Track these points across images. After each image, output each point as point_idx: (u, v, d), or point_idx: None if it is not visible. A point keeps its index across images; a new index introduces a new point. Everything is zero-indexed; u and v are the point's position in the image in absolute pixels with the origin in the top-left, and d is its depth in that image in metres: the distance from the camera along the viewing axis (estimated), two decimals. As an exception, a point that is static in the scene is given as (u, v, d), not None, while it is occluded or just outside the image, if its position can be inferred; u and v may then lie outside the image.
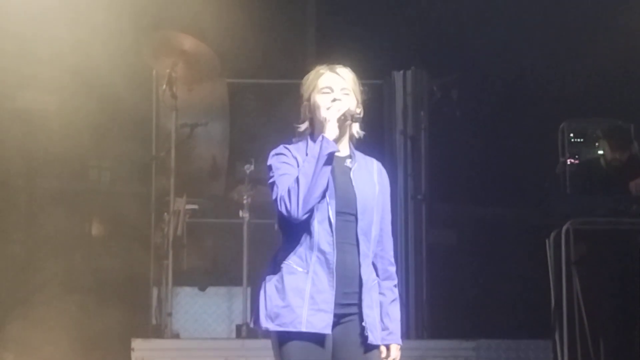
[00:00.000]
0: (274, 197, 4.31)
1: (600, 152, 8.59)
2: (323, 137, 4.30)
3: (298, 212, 4.24)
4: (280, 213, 4.28)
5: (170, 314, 8.32)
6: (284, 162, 4.37)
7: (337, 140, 4.35)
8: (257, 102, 9.48)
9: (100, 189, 9.32)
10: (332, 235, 4.31)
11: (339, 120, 4.35)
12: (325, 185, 4.27)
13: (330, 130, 4.32)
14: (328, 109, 4.36)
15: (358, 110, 4.41)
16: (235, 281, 8.51)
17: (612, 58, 9.18)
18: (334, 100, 4.39)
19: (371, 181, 4.47)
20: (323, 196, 4.28)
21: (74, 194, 9.10)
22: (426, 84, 9.01)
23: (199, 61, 8.55)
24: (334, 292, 4.29)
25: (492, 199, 9.50)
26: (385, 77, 9.04)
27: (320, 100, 4.41)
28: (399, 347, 4.50)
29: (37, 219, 8.92)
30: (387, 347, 4.49)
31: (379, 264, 4.49)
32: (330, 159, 4.28)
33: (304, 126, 4.49)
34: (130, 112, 8.77)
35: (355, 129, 4.47)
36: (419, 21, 9.68)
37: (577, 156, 8.71)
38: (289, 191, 4.25)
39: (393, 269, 4.55)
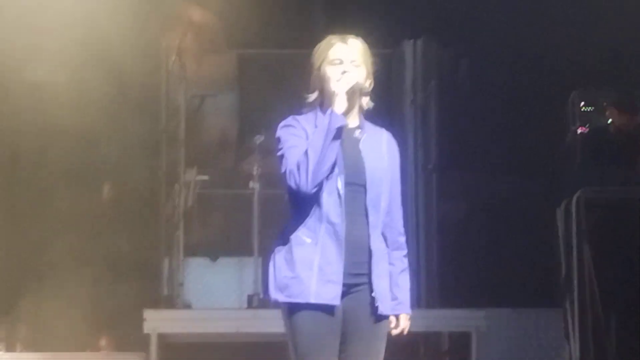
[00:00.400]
0: (283, 170, 4.30)
1: (610, 120, 8.57)
2: (332, 110, 4.29)
3: (307, 185, 4.23)
4: (289, 187, 4.28)
5: (181, 285, 8.36)
6: (293, 134, 4.35)
7: (346, 113, 4.33)
8: (267, 73, 9.45)
9: (111, 161, 9.32)
10: (341, 207, 4.30)
11: (347, 93, 4.33)
12: (334, 158, 4.26)
13: (339, 104, 4.31)
14: (338, 81, 4.34)
15: (367, 83, 4.39)
16: (246, 251, 8.53)
17: (624, 26, 9.14)
18: (344, 72, 4.37)
19: (380, 152, 4.45)
20: (332, 169, 4.28)
21: (84, 167, 9.10)
22: (436, 53, 8.98)
23: (208, 32, 8.54)
24: (342, 264, 4.29)
25: (503, 168, 9.48)
26: (394, 47, 9.02)
27: (330, 71, 4.39)
28: (408, 316, 4.50)
29: (48, 192, 8.93)
30: (397, 317, 4.49)
31: (388, 235, 4.48)
32: (339, 132, 4.27)
33: (313, 96, 4.47)
34: (140, 84, 8.77)
35: (365, 100, 4.46)
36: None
37: (587, 125, 8.69)
38: (298, 165, 4.24)
39: (402, 239, 4.54)
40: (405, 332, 4.50)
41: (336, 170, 4.30)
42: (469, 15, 9.42)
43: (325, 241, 4.30)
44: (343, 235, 4.29)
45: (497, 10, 9.32)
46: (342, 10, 9.36)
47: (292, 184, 4.24)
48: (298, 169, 4.23)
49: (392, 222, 4.48)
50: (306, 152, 4.23)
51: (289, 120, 4.41)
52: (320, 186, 4.27)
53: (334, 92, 4.31)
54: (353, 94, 4.35)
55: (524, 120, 9.45)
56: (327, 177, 4.28)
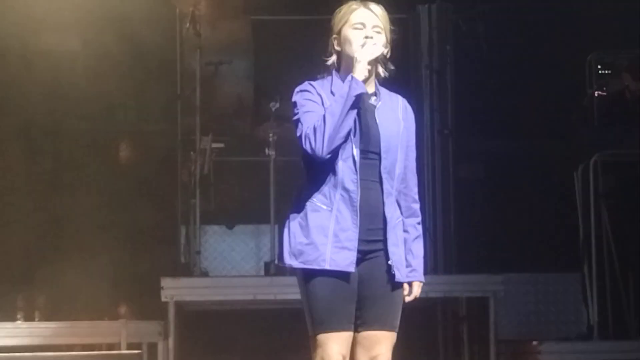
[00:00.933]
0: (298, 134, 4.29)
1: (626, 84, 8.51)
2: (352, 77, 4.27)
3: (323, 150, 4.22)
4: (304, 151, 4.26)
5: (198, 252, 8.36)
6: (308, 99, 4.34)
7: (365, 81, 4.31)
8: (282, 39, 9.41)
9: (126, 128, 9.32)
10: (356, 174, 4.30)
11: (370, 62, 4.32)
12: (351, 126, 4.25)
13: (360, 72, 4.28)
14: (361, 46, 4.32)
15: (386, 51, 4.37)
16: (263, 219, 8.53)
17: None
18: (366, 37, 4.35)
19: (396, 119, 4.44)
20: (348, 136, 4.26)
21: (100, 134, 9.11)
22: (451, 18, 8.93)
23: (222, -1, 8.50)
24: (357, 230, 4.29)
25: (520, 132, 9.44)
26: (410, 11, 8.96)
27: (352, 35, 4.38)
28: (421, 284, 4.50)
29: (65, 160, 8.94)
30: (410, 284, 4.49)
31: (402, 202, 4.47)
32: (358, 100, 4.25)
33: (331, 59, 4.46)
34: (155, 51, 8.75)
35: (381, 69, 4.43)
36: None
37: (604, 88, 8.64)
38: (314, 129, 4.22)
39: (417, 206, 4.53)
40: (417, 297, 4.50)
41: (352, 137, 4.28)
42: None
43: (340, 208, 4.29)
44: (358, 202, 4.28)
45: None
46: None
47: (308, 148, 4.23)
48: (314, 133, 4.22)
49: (406, 189, 4.48)
50: (324, 117, 4.22)
51: (305, 85, 4.40)
52: (335, 153, 4.26)
53: (356, 58, 4.29)
54: (374, 62, 4.33)
55: (541, 84, 9.39)
56: (342, 144, 4.27)
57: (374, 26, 4.37)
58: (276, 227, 8.33)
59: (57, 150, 9.02)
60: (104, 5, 8.44)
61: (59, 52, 8.95)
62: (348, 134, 4.26)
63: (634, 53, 8.67)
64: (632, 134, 7.98)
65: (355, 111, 4.24)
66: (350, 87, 4.23)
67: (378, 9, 4.41)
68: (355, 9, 4.41)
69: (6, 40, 8.32)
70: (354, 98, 4.22)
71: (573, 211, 8.03)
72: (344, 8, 4.45)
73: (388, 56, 4.39)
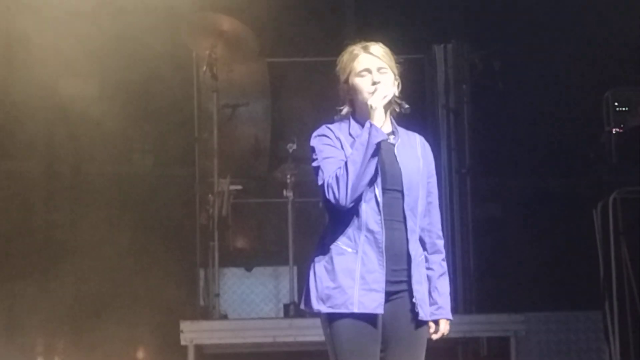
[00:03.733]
0: (319, 182, 4.28)
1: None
2: (371, 125, 4.26)
3: (347, 200, 4.22)
4: (327, 199, 4.25)
5: (217, 295, 8.35)
6: (327, 145, 4.34)
7: (383, 124, 4.31)
8: (298, 81, 9.45)
9: (144, 172, 9.35)
10: (380, 214, 4.29)
11: (384, 106, 4.31)
12: (373, 172, 4.24)
13: (378, 118, 4.28)
14: (372, 93, 4.32)
15: (396, 86, 4.37)
16: (281, 261, 8.52)
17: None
18: (374, 83, 4.34)
19: (415, 156, 4.44)
20: (371, 182, 4.25)
21: (118, 178, 9.13)
22: (468, 57, 8.94)
23: (239, 41, 8.53)
24: (384, 272, 4.27)
25: (538, 170, 9.42)
26: (426, 51, 8.99)
27: (360, 83, 4.38)
28: (448, 321, 4.47)
29: (83, 204, 8.97)
30: (436, 322, 4.46)
31: (426, 238, 4.46)
32: (379, 146, 4.24)
33: (345, 109, 4.46)
34: (172, 94, 8.79)
35: (395, 106, 4.43)
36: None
37: (622, 125, 8.62)
38: (337, 179, 4.22)
39: (441, 242, 4.52)
40: (444, 335, 4.48)
41: (373, 177, 4.28)
42: (500, 17, 9.38)
43: (365, 250, 4.28)
44: (383, 244, 4.27)
45: (527, 12, 9.28)
46: (372, 17, 9.35)
47: (331, 198, 4.23)
48: (337, 182, 4.21)
49: (430, 226, 4.47)
50: (346, 166, 4.21)
51: (323, 129, 4.40)
52: (358, 197, 4.25)
53: (370, 105, 4.28)
54: (389, 105, 4.33)
55: (558, 122, 9.39)
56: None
57: (379, 68, 4.37)
58: (295, 268, 8.32)
59: (77, 194, 9.04)
60: (121, 49, 8.48)
61: (78, 97, 8.99)
62: (371, 180, 4.25)
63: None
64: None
65: (376, 158, 4.24)
66: (370, 135, 4.23)
67: (379, 50, 4.41)
68: (357, 55, 4.40)
69: (27, 85, 8.37)
70: (374, 146, 4.22)
71: (593, 249, 7.99)
72: (346, 56, 4.44)
73: (400, 89, 4.39)
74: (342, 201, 4.21)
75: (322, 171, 4.27)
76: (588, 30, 9.29)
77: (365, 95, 4.33)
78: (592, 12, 9.27)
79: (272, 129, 9.34)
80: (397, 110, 4.42)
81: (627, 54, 9.09)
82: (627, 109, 8.65)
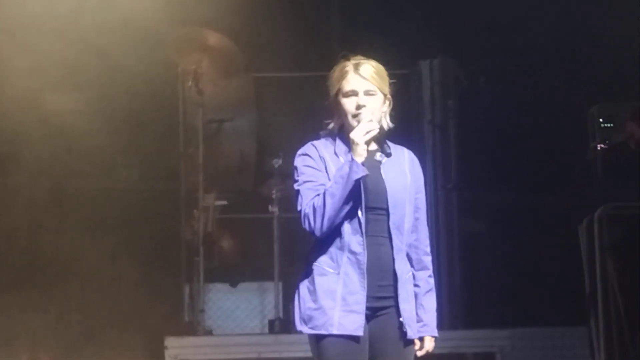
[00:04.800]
0: (298, 208, 4.27)
1: (628, 134, 8.51)
2: (352, 160, 4.23)
3: (322, 231, 4.22)
4: (303, 227, 4.26)
5: (202, 311, 8.33)
6: (309, 166, 4.30)
7: (369, 142, 4.26)
8: (284, 96, 9.45)
9: (129, 187, 9.32)
10: (362, 236, 4.26)
11: (367, 142, 4.27)
12: (350, 206, 4.23)
13: (360, 154, 4.24)
14: (355, 117, 4.27)
15: (385, 106, 4.34)
16: (267, 276, 8.51)
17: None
18: (359, 107, 4.30)
19: (402, 172, 4.41)
20: (354, 204, 4.23)
21: (103, 193, 9.10)
22: (453, 72, 8.95)
23: (224, 56, 8.54)
24: (365, 293, 4.25)
25: (523, 186, 9.43)
26: (411, 67, 9.00)
27: (346, 104, 4.34)
28: (433, 339, 4.46)
29: (67, 219, 8.93)
30: (421, 339, 4.45)
31: (413, 255, 4.44)
32: (359, 182, 4.22)
33: (332, 124, 4.43)
34: (157, 109, 8.78)
35: (385, 122, 4.40)
36: (445, 9, 9.61)
37: (607, 141, 8.64)
38: (314, 210, 4.20)
39: (428, 259, 4.50)
40: (429, 352, 4.46)
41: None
42: (486, 33, 9.40)
43: (347, 271, 4.26)
44: (365, 265, 4.25)
45: (513, 27, 9.30)
46: (358, 33, 9.36)
47: (306, 227, 4.23)
48: (314, 213, 4.20)
49: (417, 242, 4.45)
50: (324, 198, 4.18)
51: (307, 148, 4.36)
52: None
53: (353, 140, 4.24)
54: (372, 138, 4.28)
55: (543, 137, 9.41)
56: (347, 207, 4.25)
57: (366, 91, 4.32)
58: (280, 284, 8.31)
59: (61, 209, 9.00)
60: (106, 64, 8.47)
61: (61, 112, 8.97)
62: (353, 202, 4.23)
63: (636, 105, 8.68)
64: (636, 186, 7.95)
65: (355, 193, 4.21)
66: (350, 170, 4.20)
67: (369, 71, 4.34)
68: (347, 74, 4.34)
69: (9, 99, 8.34)
70: (354, 182, 4.20)
71: (579, 265, 7.99)
72: (337, 71, 4.38)
73: (390, 108, 4.37)
74: (317, 232, 4.21)
75: (301, 197, 4.26)
76: (573, 46, 9.33)
77: (350, 118, 4.31)
78: (577, 29, 9.30)
79: (258, 144, 9.33)
80: (386, 127, 4.40)
81: (613, 70, 9.12)
82: (612, 124, 8.68)
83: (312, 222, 4.21)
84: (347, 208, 4.21)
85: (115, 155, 9.23)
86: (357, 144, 4.23)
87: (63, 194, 9.02)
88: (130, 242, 8.77)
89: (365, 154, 4.24)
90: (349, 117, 4.31)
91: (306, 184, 4.26)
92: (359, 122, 4.27)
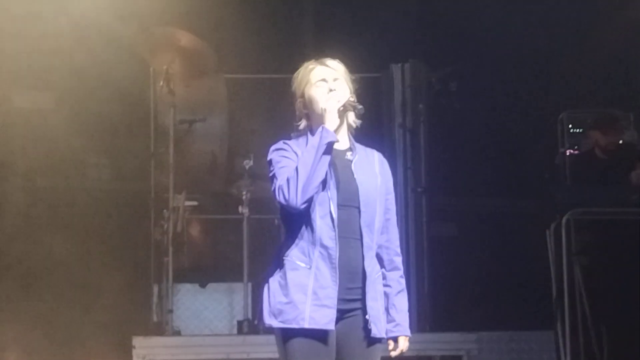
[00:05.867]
0: (273, 188, 4.29)
1: (594, 142, 8.57)
2: (323, 127, 4.28)
3: (297, 200, 4.21)
4: (279, 203, 4.26)
5: (171, 311, 8.30)
6: (284, 156, 4.35)
7: (336, 130, 4.33)
8: (256, 97, 9.45)
9: (100, 186, 9.29)
10: (334, 230, 4.29)
11: (338, 110, 4.34)
12: (324, 175, 4.26)
13: (331, 121, 4.30)
14: (327, 100, 4.34)
15: (352, 97, 4.39)
16: (236, 277, 8.50)
17: (611, 48, 9.18)
18: (330, 90, 4.37)
19: (373, 172, 4.45)
20: (323, 188, 4.26)
21: (73, 192, 9.07)
22: (425, 77, 8.98)
23: (196, 57, 8.53)
24: (337, 288, 4.28)
25: (493, 190, 9.48)
26: (383, 70, 9.02)
27: (316, 93, 4.40)
28: (407, 338, 4.48)
29: (37, 217, 8.89)
30: (395, 340, 4.47)
31: (384, 255, 4.47)
32: (330, 148, 4.26)
33: (302, 124, 4.47)
34: (128, 109, 8.76)
35: (352, 118, 4.46)
36: (417, 14, 9.66)
37: (576, 147, 8.70)
38: (287, 180, 4.23)
39: (399, 259, 4.53)
40: (403, 351, 4.49)
41: (329, 193, 4.29)
42: (457, 38, 9.46)
43: (319, 265, 4.28)
44: (337, 259, 4.28)
45: (485, 33, 9.36)
46: (330, 35, 9.38)
47: (282, 199, 4.23)
48: (288, 184, 4.22)
49: (388, 242, 4.48)
50: (296, 168, 4.22)
51: (280, 144, 4.41)
52: (311, 206, 4.25)
53: (324, 109, 4.30)
54: (344, 111, 4.35)
55: (513, 142, 9.46)
56: (319, 200, 4.26)
57: (335, 79, 4.40)
58: (249, 285, 8.31)
59: (30, 208, 8.97)
60: (77, 63, 8.45)
61: (32, 110, 8.94)
62: (322, 184, 4.26)
63: (605, 111, 8.75)
64: (604, 192, 8.01)
65: (327, 159, 4.24)
66: (321, 136, 4.24)
67: (334, 63, 4.45)
68: (313, 68, 4.44)
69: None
70: (325, 146, 4.23)
71: (546, 269, 8.04)
72: (302, 70, 4.47)
73: (359, 106, 4.41)
74: (292, 202, 4.20)
75: (277, 178, 4.29)
76: (544, 53, 9.39)
77: (322, 102, 4.35)
78: (548, 36, 9.37)
79: (229, 145, 9.33)
80: (353, 125, 4.44)
81: (582, 77, 9.19)
82: (581, 130, 8.73)
83: (286, 193, 4.21)
84: (320, 177, 4.23)
85: (86, 154, 9.20)
86: (328, 111, 4.30)
87: (33, 193, 8.99)
88: (100, 242, 8.75)
89: (337, 121, 4.30)
90: (321, 102, 4.34)
91: (282, 168, 4.30)
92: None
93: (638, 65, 9.49)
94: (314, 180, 4.22)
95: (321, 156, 4.22)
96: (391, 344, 4.44)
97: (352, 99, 4.36)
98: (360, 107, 4.36)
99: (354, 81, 4.47)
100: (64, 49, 8.37)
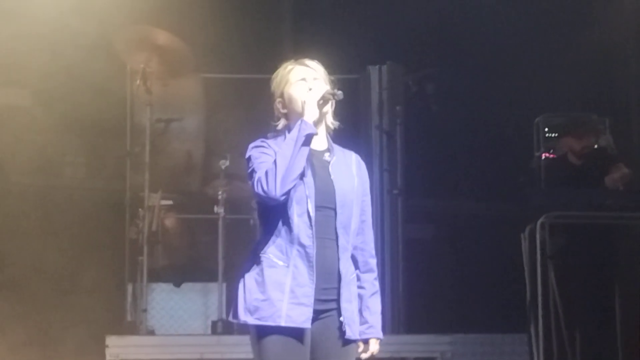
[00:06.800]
0: (251, 182, 4.29)
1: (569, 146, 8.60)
2: (302, 120, 4.29)
3: (276, 191, 4.21)
4: (258, 196, 4.26)
5: (145, 310, 8.28)
6: (263, 152, 4.37)
7: (315, 124, 4.34)
8: (233, 97, 9.43)
9: (75, 184, 9.26)
10: (312, 229, 4.30)
11: (318, 103, 4.35)
12: (303, 167, 4.27)
13: (310, 113, 4.32)
14: (306, 93, 4.36)
15: (332, 107, 4.40)
16: (211, 277, 8.48)
17: (588, 53, 9.22)
18: (310, 89, 4.39)
19: (350, 174, 4.46)
20: (301, 177, 4.27)
21: (49, 190, 9.04)
22: (402, 79, 9.00)
23: (174, 56, 8.51)
24: (314, 286, 4.29)
25: (468, 193, 9.51)
26: (361, 72, 9.03)
27: (296, 91, 4.41)
28: (378, 341, 4.49)
29: (12, 216, 8.85)
30: (366, 341, 4.48)
31: (359, 257, 4.49)
32: (309, 140, 4.27)
33: (281, 123, 4.47)
34: (105, 107, 8.72)
35: (330, 119, 4.47)
36: (395, 15, 9.67)
37: (551, 150, 8.73)
38: (266, 172, 4.24)
39: (374, 261, 4.54)
40: (374, 354, 4.49)
41: (306, 192, 4.29)
42: (435, 41, 9.48)
43: (297, 263, 4.29)
44: (314, 258, 4.28)
45: (462, 36, 9.38)
46: (308, 36, 9.38)
47: (260, 191, 4.23)
48: (266, 175, 4.23)
49: (363, 244, 4.50)
50: (275, 161, 4.23)
51: (259, 142, 4.44)
52: (289, 201, 4.26)
53: (304, 102, 4.31)
54: (323, 104, 4.36)
55: (489, 146, 9.49)
56: (297, 199, 4.27)
57: (314, 78, 4.44)
58: (224, 285, 8.29)
59: (5, 206, 8.92)
60: (53, 60, 8.41)
61: (8, 107, 8.90)
62: (300, 176, 4.26)
63: (581, 116, 8.79)
64: (579, 196, 8.04)
65: (306, 151, 4.25)
66: (300, 128, 4.25)
67: (314, 64, 4.48)
68: (292, 69, 4.47)
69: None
70: (304, 137, 4.24)
71: (521, 272, 8.06)
72: (280, 71, 4.50)
73: (333, 106, 4.41)
74: (272, 192, 4.21)
75: (255, 172, 4.29)
76: (522, 57, 9.42)
77: (301, 96, 4.36)
78: (525, 39, 9.40)
79: (205, 145, 9.31)
80: (332, 126, 4.46)
81: (558, 81, 9.22)
82: (557, 135, 8.76)
83: (264, 185, 4.22)
84: (298, 170, 4.25)
85: (61, 152, 9.17)
86: (307, 103, 4.31)
87: (7, 191, 8.95)
88: (74, 240, 8.72)
89: (316, 114, 4.32)
90: (300, 102, 4.34)
91: (261, 163, 4.31)
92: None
93: (614, 70, 9.55)
94: (293, 172, 4.24)
95: (300, 147, 4.23)
96: (361, 346, 4.45)
97: (330, 90, 4.37)
98: (339, 92, 4.38)
99: (332, 82, 4.49)
100: (40, 46, 8.34)
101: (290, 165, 4.22)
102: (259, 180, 4.24)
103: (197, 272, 8.81)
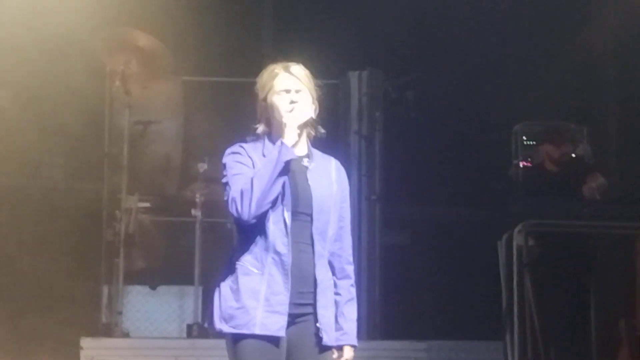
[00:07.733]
0: (225, 197, 4.28)
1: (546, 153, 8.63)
2: (282, 143, 4.27)
3: (249, 214, 4.21)
4: (231, 214, 4.25)
5: (120, 313, 8.26)
6: (238, 162, 4.34)
7: (294, 145, 4.32)
8: (212, 101, 9.42)
9: (52, 185, 9.22)
10: (287, 237, 4.29)
11: (299, 127, 4.32)
12: (279, 191, 4.25)
13: (290, 137, 4.29)
14: (289, 112, 4.33)
15: (313, 109, 4.39)
16: (187, 280, 8.47)
17: (566, 62, 9.25)
18: (292, 102, 4.36)
19: (329, 180, 4.45)
20: (276, 201, 4.26)
21: (26, 191, 8.99)
22: (382, 85, 9.00)
23: (153, 58, 8.49)
24: (288, 294, 4.28)
25: (446, 200, 9.52)
26: (340, 77, 9.04)
27: (278, 101, 4.39)
28: (352, 348, 4.48)
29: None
30: (341, 348, 4.47)
31: (336, 263, 4.47)
32: (287, 166, 4.25)
33: (261, 127, 4.46)
34: (83, 109, 8.69)
35: (318, 129, 4.45)
36: (376, 22, 9.68)
37: (529, 159, 8.75)
38: (241, 193, 4.22)
39: (351, 268, 4.53)
40: (348, 361, 4.49)
41: (282, 200, 4.28)
42: (415, 48, 9.49)
43: (272, 271, 4.28)
44: (289, 266, 4.27)
45: (442, 43, 9.40)
46: (288, 41, 9.38)
47: (234, 212, 4.22)
48: (241, 197, 4.20)
49: (340, 250, 4.48)
50: (252, 181, 4.21)
51: (235, 147, 4.40)
52: (263, 215, 4.25)
53: (284, 123, 4.29)
54: (303, 126, 4.34)
55: (468, 153, 9.51)
56: (272, 207, 4.26)
57: (298, 90, 4.38)
58: (200, 288, 8.28)
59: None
60: (32, 61, 8.38)
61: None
62: (276, 199, 4.25)
63: (559, 124, 8.82)
64: (556, 204, 8.07)
65: (284, 177, 4.24)
66: (280, 153, 4.23)
67: (300, 71, 4.43)
68: (277, 74, 4.42)
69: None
70: (283, 163, 4.22)
71: (497, 279, 8.08)
72: (266, 74, 4.45)
73: (317, 113, 4.40)
74: (245, 216, 4.20)
75: (230, 186, 4.27)
76: (500, 65, 9.45)
77: (283, 114, 4.34)
78: (503, 47, 9.43)
79: (184, 147, 9.30)
80: (313, 133, 4.44)
81: (538, 89, 9.25)
82: (535, 143, 8.79)
83: (239, 206, 4.20)
84: (274, 194, 4.23)
85: (39, 153, 9.13)
86: (288, 126, 4.28)
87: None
88: (51, 242, 8.68)
89: (296, 137, 4.30)
90: (282, 113, 4.33)
91: (235, 176, 4.28)
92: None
93: (592, 79, 9.59)
94: (269, 196, 4.22)
95: (278, 172, 4.22)
96: (335, 352, 4.44)
97: (313, 118, 4.35)
98: (323, 132, 4.37)
99: (317, 87, 4.46)
100: (19, 47, 8.30)
101: (266, 190, 4.21)
102: (234, 200, 4.22)
103: (174, 275, 8.79)
